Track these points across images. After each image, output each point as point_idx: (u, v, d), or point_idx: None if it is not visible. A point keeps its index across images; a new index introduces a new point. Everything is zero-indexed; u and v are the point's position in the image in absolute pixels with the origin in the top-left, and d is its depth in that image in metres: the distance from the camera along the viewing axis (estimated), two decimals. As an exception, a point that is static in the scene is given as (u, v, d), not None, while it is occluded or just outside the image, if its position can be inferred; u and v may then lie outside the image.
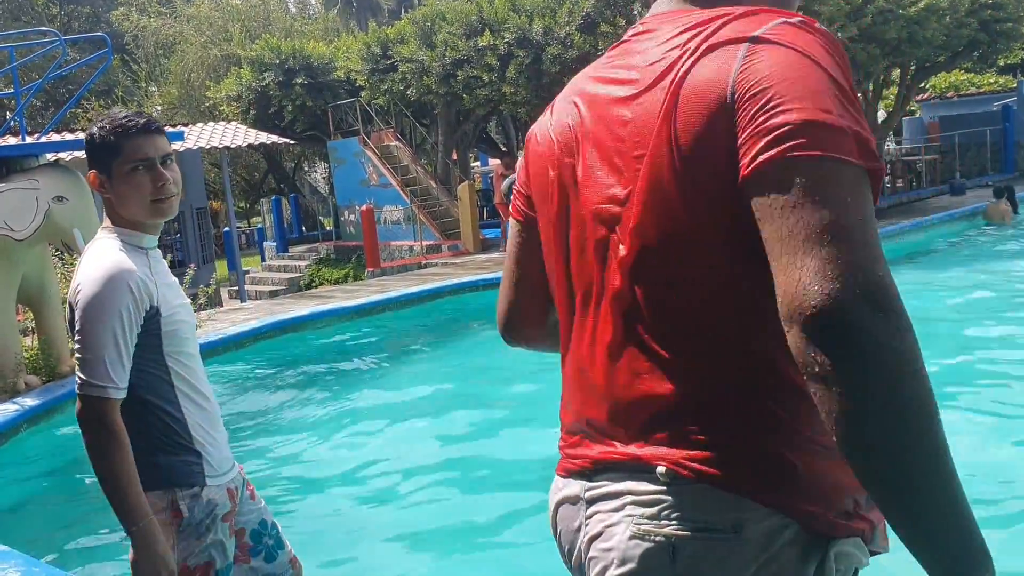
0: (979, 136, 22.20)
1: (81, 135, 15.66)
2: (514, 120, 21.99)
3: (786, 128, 1.02)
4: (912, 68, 18.99)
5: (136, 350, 2.12)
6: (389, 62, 18.50)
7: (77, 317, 2.08)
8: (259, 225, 28.11)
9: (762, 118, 1.04)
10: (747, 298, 1.12)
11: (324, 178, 29.40)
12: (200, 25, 29.48)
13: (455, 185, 19.28)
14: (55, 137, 12.79)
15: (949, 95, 24.73)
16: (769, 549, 1.13)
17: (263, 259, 23.65)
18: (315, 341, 9.73)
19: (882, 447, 0.97)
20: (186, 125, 18.90)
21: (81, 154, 14.48)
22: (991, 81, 24.82)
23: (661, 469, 1.17)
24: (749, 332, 1.13)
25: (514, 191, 1.50)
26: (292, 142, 20.68)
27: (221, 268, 20.53)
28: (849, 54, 10.99)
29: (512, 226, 1.50)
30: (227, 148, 17.02)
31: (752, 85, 1.07)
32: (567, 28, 15.26)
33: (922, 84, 22.20)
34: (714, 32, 1.15)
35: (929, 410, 0.97)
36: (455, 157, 21.55)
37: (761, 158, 1.03)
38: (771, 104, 1.04)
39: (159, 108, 28.85)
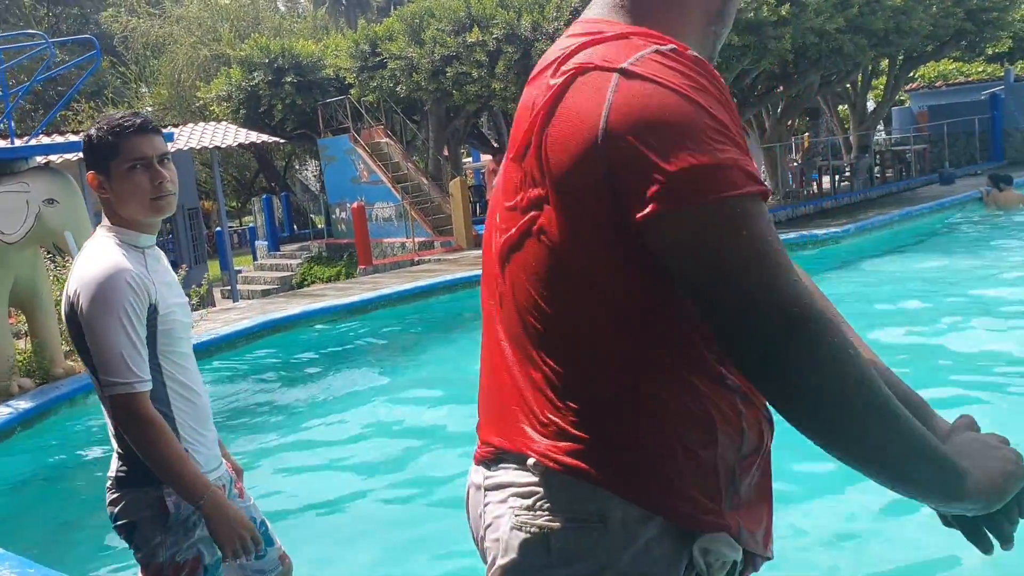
0: (968, 125, 22.28)
1: (72, 137, 15.67)
2: (505, 116, 22.00)
3: (670, 177, 1.04)
4: (900, 58, 19.06)
5: None
6: (378, 59, 18.51)
7: (84, 320, 2.10)
8: (251, 224, 28.11)
9: (644, 167, 1.06)
10: (622, 313, 1.16)
11: (315, 176, 29.38)
12: (189, 25, 29.45)
13: (447, 181, 19.29)
14: (45, 140, 12.79)
15: (938, 84, 24.79)
16: (636, 540, 1.18)
17: (255, 258, 23.64)
18: (308, 340, 9.75)
19: (848, 445, 1.07)
20: (176, 126, 18.87)
21: (72, 156, 14.51)
22: (979, 70, 24.89)
23: (531, 460, 1.23)
24: (623, 344, 1.17)
25: None
26: (282, 141, 20.70)
27: (213, 268, 20.53)
28: (836, 44, 11.00)
29: None
30: (218, 148, 17.00)
31: (627, 129, 1.07)
32: (555, 23, 15.27)
33: (911, 74, 22.26)
34: (579, 51, 1.17)
35: (869, 397, 1.05)
36: (446, 153, 21.57)
37: (650, 208, 1.06)
38: (650, 152, 1.05)
39: (150, 109, 28.80)
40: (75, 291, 2.13)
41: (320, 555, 4.20)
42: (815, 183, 18.76)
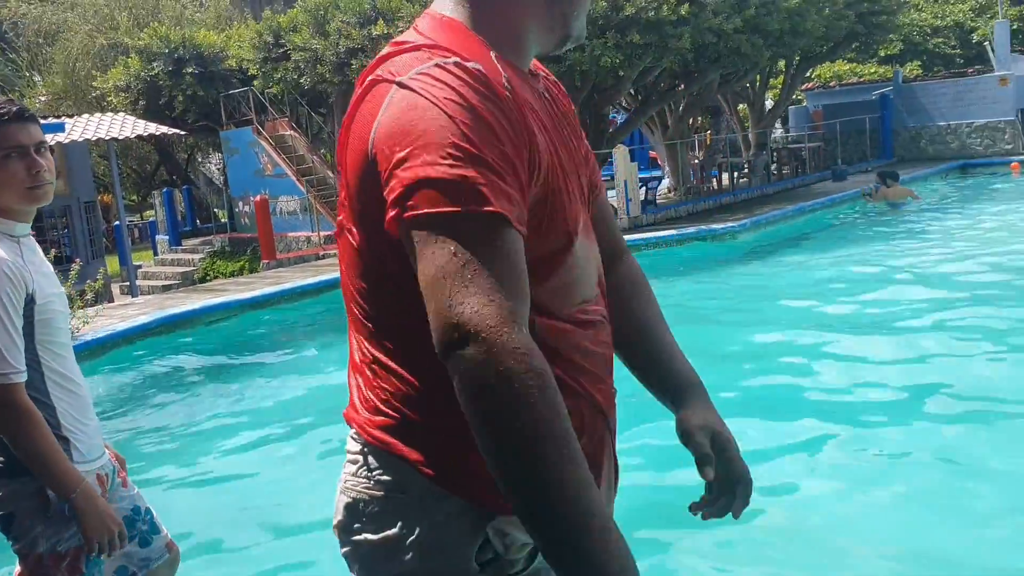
0: (859, 124, 23.13)
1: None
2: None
3: (403, 188, 1.11)
4: (796, 59, 19.68)
5: None
6: (282, 51, 18.24)
7: None
8: (151, 219, 27.35)
9: (388, 175, 1.14)
10: (418, 301, 1.16)
11: (219, 169, 28.77)
12: (85, 12, 28.46)
13: (352, 175, 19.10)
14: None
15: (832, 85, 25.66)
16: (435, 513, 1.27)
17: (156, 253, 23.03)
18: (208, 335, 9.61)
19: (505, 470, 1.05)
20: (71, 116, 18.27)
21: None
22: (872, 71, 25.83)
23: (353, 431, 1.36)
24: (421, 329, 1.17)
25: None
26: (183, 133, 20.20)
27: (112, 263, 19.95)
28: (734, 44, 11.28)
29: None
30: (115, 140, 16.53)
31: (383, 137, 1.15)
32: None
33: (807, 74, 23.00)
34: (382, 62, 1.25)
35: (538, 434, 1.03)
36: (352, 147, 21.35)
37: (391, 214, 1.13)
38: (394, 161, 1.13)
39: (43, 98, 27.75)
40: None
41: (220, 548, 4.19)
42: (715, 179, 19.26)
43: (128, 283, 16.80)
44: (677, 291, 10.20)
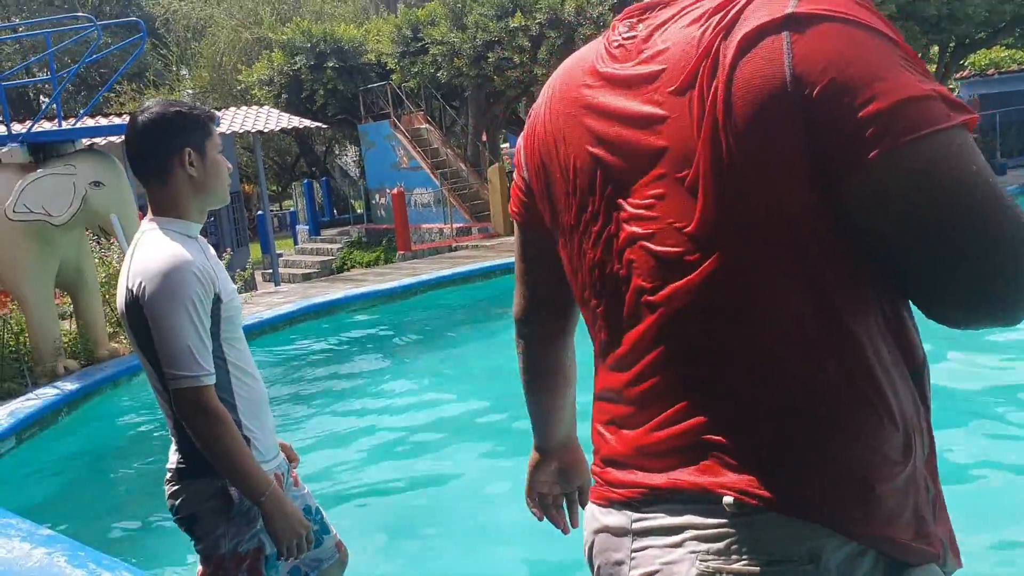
0: (1020, 115, 21.78)
1: (116, 120, 15.78)
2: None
3: (881, 117, 0.94)
4: (951, 45, 18.65)
5: None
6: (420, 44, 18.45)
7: (149, 314, 2.04)
8: (291, 208, 28.23)
9: (849, 114, 0.95)
10: (820, 302, 1.02)
11: (355, 161, 29.42)
12: (231, 8, 29.58)
13: (485, 167, 19.22)
14: (90, 122, 12.88)
15: (990, 72, 24.25)
16: None
17: (296, 242, 23.74)
18: (350, 324, 9.74)
19: None
20: (217, 109, 18.96)
21: (116, 138, 14.61)
22: (1035, 58, 24.32)
23: (728, 499, 1.07)
24: (818, 341, 1.03)
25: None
26: (324, 126, 20.69)
27: (255, 251, 20.65)
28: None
29: None
30: (260, 132, 17.05)
31: (817, 77, 0.96)
32: (600, 8, 15.11)
33: (962, 61, 21.79)
34: (740, 13, 1.02)
35: None
36: (485, 139, 21.48)
37: (871, 155, 0.94)
38: (851, 96, 0.95)
39: (191, 92, 28.98)
40: (139, 283, 2.06)
41: (377, 543, 4.16)
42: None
43: (271, 271, 17.33)
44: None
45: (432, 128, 20.70)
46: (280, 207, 33.76)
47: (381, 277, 12.27)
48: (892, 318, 1.06)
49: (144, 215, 2.27)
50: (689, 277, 1.06)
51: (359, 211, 25.11)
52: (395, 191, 18.03)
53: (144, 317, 2.06)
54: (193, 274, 2.07)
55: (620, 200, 1.13)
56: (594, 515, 1.25)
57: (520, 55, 16.13)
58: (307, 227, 23.68)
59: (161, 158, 2.16)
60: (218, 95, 27.77)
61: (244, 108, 19.45)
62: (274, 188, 33.05)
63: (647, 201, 1.09)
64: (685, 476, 1.11)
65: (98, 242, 8.60)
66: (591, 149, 1.16)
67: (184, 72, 31.65)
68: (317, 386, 7.52)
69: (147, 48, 31.41)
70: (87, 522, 4.75)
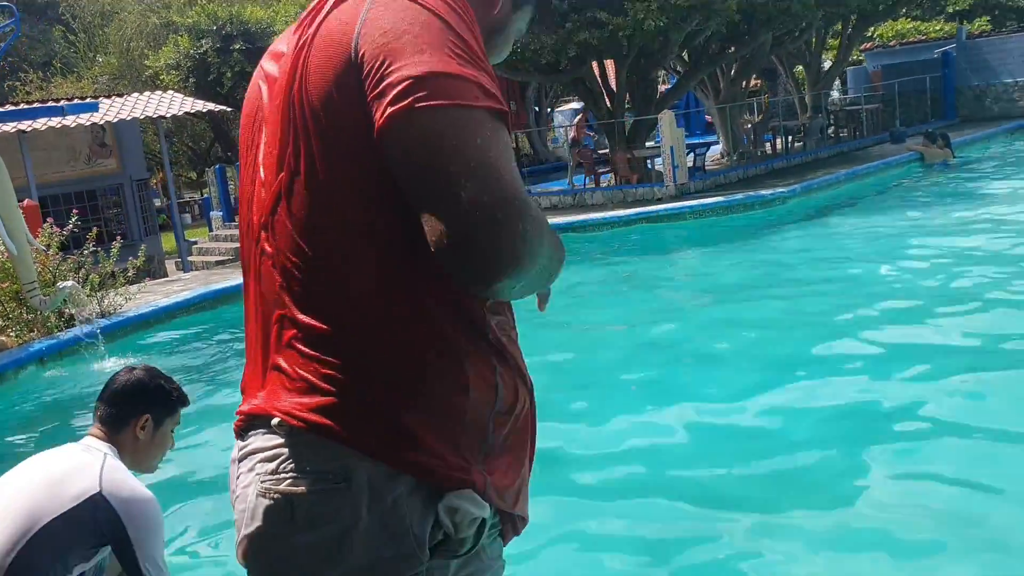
0: (920, 84, 22.37)
1: (10, 107, 15.31)
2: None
3: (408, 81, 1.05)
4: (853, 18, 19.04)
5: None
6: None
7: (135, 537, 2.20)
8: (207, 195, 27.69)
9: (386, 74, 1.07)
10: (387, 250, 1.14)
11: (272, 145, 28.92)
12: (139, -8, 28.86)
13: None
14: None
15: (893, 44, 24.82)
16: (383, 498, 1.13)
17: (211, 229, 23.33)
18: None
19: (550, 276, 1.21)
20: (120, 96, 18.54)
21: (10, 127, 14.13)
22: (938, 28, 24.88)
23: (276, 420, 1.17)
24: (387, 285, 1.15)
25: None
26: (230, 110, 20.36)
27: (169, 240, 20.23)
28: (784, 4, 10.85)
29: None
30: (163, 118, 16.72)
31: (374, 41, 1.10)
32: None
33: (866, 33, 22.27)
34: None
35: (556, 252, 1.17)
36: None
37: (390, 111, 1.06)
38: (393, 60, 1.07)
39: (102, 79, 28.24)
40: (123, 500, 2.22)
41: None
42: (768, 144, 18.78)
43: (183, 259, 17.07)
44: (723, 261, 9.97)
45: (345, 110, 20.54)
46: (201, 194, 33.11)
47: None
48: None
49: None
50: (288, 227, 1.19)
51: (276, 196, 24.75)
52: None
53: (123, 538, 2.22)
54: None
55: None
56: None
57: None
58: (221, 213, 23.28)
59: (124, 412, 2.42)
60: (128, 80, 27.10)
61: (147, 93, 19.03)
62: (192, 175, 32.42)
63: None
64: (258, 402, 1.22)
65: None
66: None
67: (99, 59, 30.79)
68: (211, 373, 7.46)
69: (56, 35, 30.50)
70: None
